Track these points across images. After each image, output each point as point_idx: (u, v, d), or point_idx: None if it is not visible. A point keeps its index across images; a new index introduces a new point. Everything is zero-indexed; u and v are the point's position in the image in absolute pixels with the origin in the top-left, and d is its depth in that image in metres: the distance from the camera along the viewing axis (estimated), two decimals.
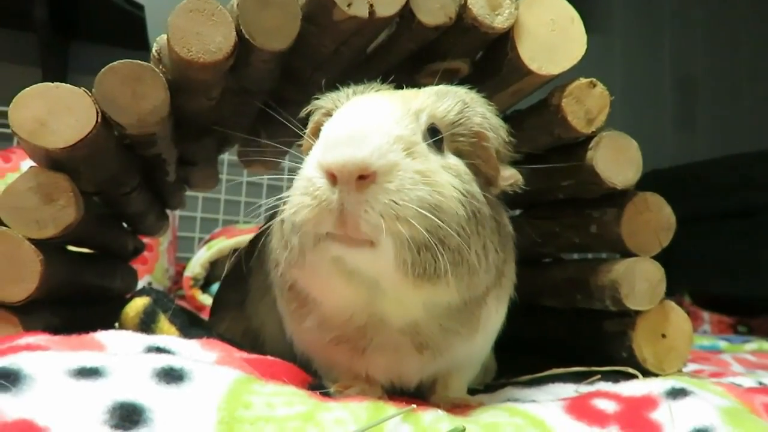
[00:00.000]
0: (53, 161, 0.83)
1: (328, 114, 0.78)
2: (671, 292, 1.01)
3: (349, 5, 0.83)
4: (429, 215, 0.64)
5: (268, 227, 0.80)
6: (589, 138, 0.96)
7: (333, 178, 0.63)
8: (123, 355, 0.65)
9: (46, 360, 0.58)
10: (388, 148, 0.64)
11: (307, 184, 0.66)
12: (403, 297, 0.70)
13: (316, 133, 0.77)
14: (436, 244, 0.65)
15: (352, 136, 0.64)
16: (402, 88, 0.81)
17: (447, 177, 0.69)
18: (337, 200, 0.63)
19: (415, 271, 0.65)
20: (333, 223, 0.64)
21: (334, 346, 0.77)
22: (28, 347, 0.65)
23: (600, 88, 0.95)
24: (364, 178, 0.63)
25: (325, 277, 0.69)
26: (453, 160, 0.73)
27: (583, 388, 0.89)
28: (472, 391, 0.91)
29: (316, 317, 0.77)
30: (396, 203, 0.63)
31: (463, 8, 0.89)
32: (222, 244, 2.53)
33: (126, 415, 0.53)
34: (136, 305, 0.97)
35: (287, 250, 0.70)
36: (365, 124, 0.66)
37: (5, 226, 0.80)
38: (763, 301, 2.85)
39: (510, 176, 0.79)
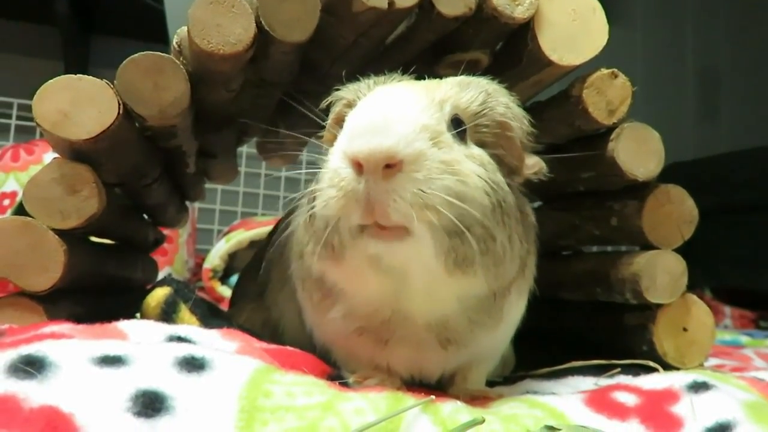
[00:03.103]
0: (76, 152, 0.84)
1: (350, 105, 0.77)
2: (692, 286, 0.99)
3: None
4: (456, 203, 0.64)
5: (288, 219, 0.80)
6: (611, 129, 0.95)
7: (359, 167, 0.63)
8: (145, 344, 0.66)
9: (70, 348, 0.59)
10: (415, 136, 0.64)
11: (332, 175, 0.66)
12: (436, 289, 0.69)
13: (337, 124, 0.77)
14: (464, 232, 0.65)
15: (377, 125, 0.64)
16: (422, 80, 0.81)
17: (472, 166, 0.69)
18: (363, 190, 0.63)
19: (451, 258, 0.66)
20: (361, 214, 0.64)
21: (357, 336, 0.76)
22: (53, 335, 0.66)
23: (622, 78, 0.94)
24: (390, 166, 0.62)
25: (360, 272, 0.69)
26: (476, 151, 0.73)
27: (603, 381, 0.88)
28: (490, 383, 0.91)
29: (341, 308, 0.76)
30: (423, 192, 0.63)
31: None
32: (241, 236, 2.54)
33: (148, 402, 0.54)
34: (158, 295, 0.98)
35: (319, 244, 0.70)
36: (391, 113, 0.66)
37: (30, 216, 0.82)
38: None
39: (534, 164, 0.78)
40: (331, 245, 0.68)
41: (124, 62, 0.82)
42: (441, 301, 0.72)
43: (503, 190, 0.72)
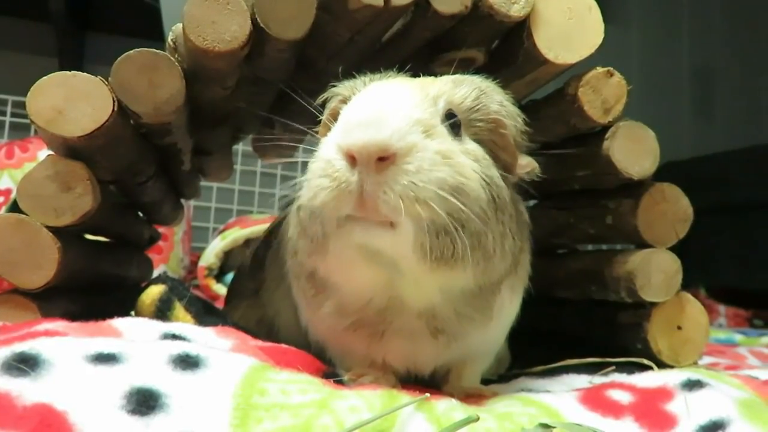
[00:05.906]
0: (70, 150, 0.83)
1: (345, 101, 0.78)
2: (687, 285, 1.00)
3: None
4: (449, 197, 0.64)
5: (284, 217, 0.80)
6: (606, 128, 0.95)
7: (352, 159, 0.63)
8: (140, 341, 0.65)
9: (64, 345, 0.59)
10: (408, 129, 0.64)
11: (325, 166, 0.66)
12: (420, 280, 0.70)
13: (333, 119, 0.77)
14: (455, 228, 0.65)
15: (371, 119, 0.64)
16: (417, 77, 0.81)
17: (466, 160, 0.69)
18: (356, 182, 0.63)
19: (432, 254, 0.65)
20: (352, 205, 0.64)
21: (351, 332, 0.77)
22: (47, 333, 0.65)
23: (617, 77, 0.94)
24: (383, 159, 0.63)
25: (347, 263, 0.69)
26: (471, 146, 0.73)
27: (598, 379, 0.88)
28: (485, 382, 0.91)
29: (334, 303, 0.77)
30: (415, 184, 0.63)
31: None
32: (236, 234, 2.54)
33: (143, 400, 0.54)
34: (152, 293, 0.98)
35: (307, 237, 0.70)
36: (385, 107, 0.66)
37: (24, 213, 0.81)
38: None
39: (527, 164, 0.78)
40: (316, 237, 0.69)
41: (118, 59, 0.82)
42: (424, 290, 0.72)
43: (498, 185, 0.72)
